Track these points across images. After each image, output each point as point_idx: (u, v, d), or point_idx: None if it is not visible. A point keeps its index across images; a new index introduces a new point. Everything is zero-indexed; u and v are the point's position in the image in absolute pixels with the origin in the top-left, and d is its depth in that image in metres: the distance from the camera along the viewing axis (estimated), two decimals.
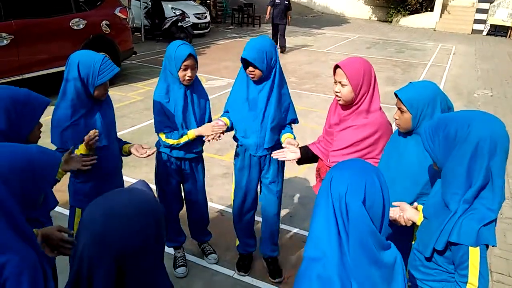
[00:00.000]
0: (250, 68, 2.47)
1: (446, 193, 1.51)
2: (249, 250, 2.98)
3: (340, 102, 2.18)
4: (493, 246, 1.43)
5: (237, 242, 2.99)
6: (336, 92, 2.15)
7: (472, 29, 17.62)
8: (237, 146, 2.75)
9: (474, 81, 9.21)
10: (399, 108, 1.84)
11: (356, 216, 1.05)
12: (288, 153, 2.40)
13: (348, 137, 2.18)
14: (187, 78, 2.48)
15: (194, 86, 2.61)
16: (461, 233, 1.42)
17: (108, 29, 7.12)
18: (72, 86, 2.12)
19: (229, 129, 2.67)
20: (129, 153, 2.43)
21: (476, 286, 1.41)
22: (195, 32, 12.00)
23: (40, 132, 1.80)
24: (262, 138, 2.59)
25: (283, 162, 2.74)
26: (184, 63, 2.43)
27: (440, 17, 18.24)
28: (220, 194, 3.96)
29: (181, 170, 2.73)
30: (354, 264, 1.04)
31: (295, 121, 2.72)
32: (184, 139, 2.55)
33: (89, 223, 0.90)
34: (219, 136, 2.53)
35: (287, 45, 11.38)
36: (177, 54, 2.43)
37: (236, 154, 2.76)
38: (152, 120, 4.47)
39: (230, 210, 3.68)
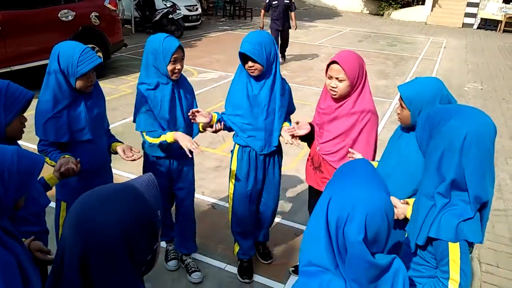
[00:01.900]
0: (250, 63, 2.39)
1: (422, 184, 1.51)
2: (251, 254, 2.90)
3: (336, 97, 2.20)
4: (473, 242, 1.39)
5: (236, 248, 2.87)
6: (333, 87, 2.16)
7: (463, 23, 17.70)
8: (238, 148, 2.63)
9: (465, 74, 9.27)
10: (400, 104, 1.83)
11: (354, 252, 0.98)
12: (299, 130, 2.41)
13: (337, 127, 2.23)
14: (176, 71, 2.37)
15: (180, 81, 2.51)
16: (440, 228, 1.40)
17: (98, 21, 7.02)
18: (53, 78, 2.07)
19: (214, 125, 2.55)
20: (115, 152, 2.34)
21: (458, 282, 1.39)
22: (186, 24, 11.89)
23: (24, 125, 1.75)
24: (269, 136, 2.53)
25: (281, 154, 2.74)
26: (174, 56, 2.32)
27: (432, 10, 18.30)
28: (212, 187, 3.95)
29: (169, 169, 2.61)
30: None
31: (292, 112, 2.74)
32: (161, 139, 2.39)
33: (68, 215, 0.90)
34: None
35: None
36: (166, 47, 2.31)
37: (239, 157, 2.62)
38: None
39: (223, 203, 3.70)
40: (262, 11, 8.94)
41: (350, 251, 0.99)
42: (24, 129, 1.78)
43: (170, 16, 11.08)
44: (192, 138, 2.53)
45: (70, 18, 6.57)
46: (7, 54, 5.80)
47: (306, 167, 2.60)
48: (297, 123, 2.44)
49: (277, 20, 8.64)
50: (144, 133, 2.47)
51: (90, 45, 6.90)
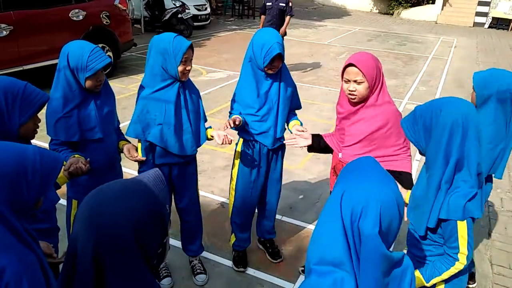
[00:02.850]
0: (276, 63, 2.43)
1: (429, 175, 1.65)
2: (245, 246, 2.96)
3: (355, 101, 2.13)
4: (478, 218, 1.60)
5: (233, 239, 2.93)
6: (351, 91, 2.10)
7: (474, 22, 17.51)
8: (243, 143, 2.66)
9: None
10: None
11: (370, 246, 0.99)
12: (300, 140, 2.42)
13: (360, 131, 2.16)
14: (186, 71, 2.28)
15: (186, 83, 2.40)
16: (449, 209, 1.58)
17: (108, 21, 7.07)
18: (63, 78, 2.08)
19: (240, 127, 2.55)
20: (122, 151, 2.34)
21: (466, 254, 1.60)
22: (195, 24, 11.92)
23: (37, 126, 1.75)
24: (279, 131, 2.58)
25: (283, 148, 2.77)
26: (185, 56, 2.23)
27: (442, 9, 18.13)
28: (221, 186, 3.95)
29: (169, 177, 2.50)
30: (363, 283, 1.02)
31: (299, 106, 2.73)
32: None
33: (79, 211, 0.90)
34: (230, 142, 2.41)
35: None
36: (176, 47, 2.21)
37: (244, 152, 2.66)
38: None
39: (227, 200, 3.68)
40: (262, 16, 7.78)
41: (366, 245, 0.99)
42: (37, 129, 1.79)
43: (179, 15, 11.11)
44: (200, 145, 2.50)
45: (80, 17, 6.62)
46: (20, 53, 5.86)
47: (330, 175, 2.53)
48: (302, 131, 2.48)
49: (270, 25, 7.27)
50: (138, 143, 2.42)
51: (100, 45, 6.97)
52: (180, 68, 2.26)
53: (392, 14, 19.32)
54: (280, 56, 2.42)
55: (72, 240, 0.90)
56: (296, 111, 2.78)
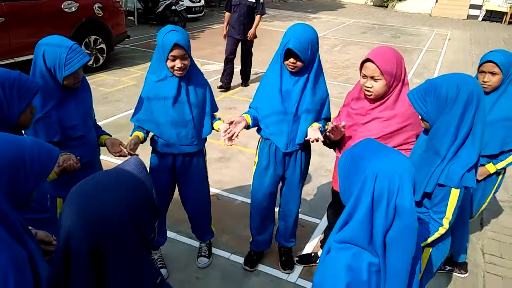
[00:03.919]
0: (292, 60, 2.25)
1: (437, 144, 1.70)
2: (263, 249, 2.90)
3: (371, 97, 2.07)
4: (472, 187, 1.71)
5: (251, 239, 2.89)
6: (368, 87, 2.03)
7: (468, 15, 17.54)
8: (261, 141, 2.56)
9: (469, 66, 9.20)
10: (490, 72, 2.41)
11: (408, 218, 1.09)
12: (318, 132, 2.28)
13: (375, 130, 2.08)
14: (176, 69, 2.23)
15: (191, 76, 2.35)
16: (448, 176, 1.66)
17: (101, 12, 6.99)
18: (39, 77, 2.00)
19: (249, 127, 2.44)
20: (104, 145, 2.30)
21: (450, 219, 1.71)
22: (189, 16, 11.83)
23: (33, 115, 1.75)
24: (294, 133, 2.40)
25: (309, 158, 2.62)
26: (171, 53, 2.18)
27: (436, 2, 18.14)
28: (216, 178, 3.96)
29: (173, 167, 2.51)
30: (392, 258, 1.09)
31: (329, 119, 2.48)
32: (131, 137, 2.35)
33: (68, 204, 0.89)
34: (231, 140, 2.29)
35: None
36: (164, 43, 2.18)
37: (261, 150, 2.57)
38: None
39: (226, 194, 3.72)
40: (226, 13, 6.42)
41: (404, 219, 1.08)
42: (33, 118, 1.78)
43: (173, 7, 11.01)
44: (202, 137, 2.49)
45: (73, 9, 6.55)
46: (11, 45, 5.80)
47: (334, 171, 2.47)
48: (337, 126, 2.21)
49: (235, 26, 6.26)
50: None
51: (93, 37, 6.92)
52: (168, 64, 2.23)
53: (386, 7, 19.30)
54: (296, 54, 2.21)
55: (63, 237, 0.87)
56: None
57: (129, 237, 0.87)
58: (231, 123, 2.31)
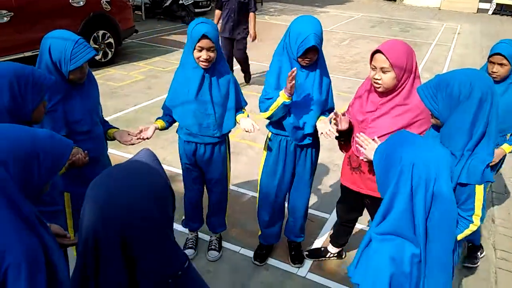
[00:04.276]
0: (310, 55, 2.25)
1: (450, 142, 1.67)
2: (272, 242, 2.90)
3: (380, 90, 2.05)
4: (492, 182, 1.73)
5: (259, 232, 2.89)
6: (376, 79, 2.02)
7: (478, 8, 17.31)
8: (271, 136, 2.56)
9: (479, 60, 9.09)
10: (499, 63, 2.56)
11: (447, 204, 1.11)
12: (328, 125, 2.25)
13: (385, 125, 2.06)
14: (201, 60, 2.28)
15: (216, 69, 2.40)
16: (470, 174, 1.65)
17: (109, 7, 6.99)
18: (44, 70, 1.98)
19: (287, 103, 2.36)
20: (113, 138, 2.32)
21: (480, 215, 1.71)
22: (196, 10, 11.79)
23: (45, 110, 1.75)
24: (309, 126, 2.41)
25: (318, 152, 2.62)
26: (198, 44, 2.24)
27: None
28: None
29: (195, 154, 2.57)
30: (434, 246, 1.12)
31: (333, 109, 2.48)
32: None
33: (93, 198, 0.89)
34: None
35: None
36: (193, 33, 2.25)
37: (270, 145, 2.56)
38: (154, 100, 4.46)
39: (235, 188, 3.71)
40: (217, 11, 5.90)
41: (444, 206, 1.11)
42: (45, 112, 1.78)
43: (180, 1, 10.98)
44: (224, 131, 2.50)
45: (81, 3, 6.55)
46: (20, 40, 5.82)
47: (343, 166, 2.46)
48: (344, 114, 2.25)
49: (226, 24, 5.77)
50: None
51: (101, 31, 6.92)
52: (194, 55, 2.30)
53: (395, 0, 19.09)
54: (316, 49, 2.23)
55: (88, 232, 0.87)
56: None
57: (156, 225, 0.88)
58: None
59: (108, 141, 2.36)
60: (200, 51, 2.27)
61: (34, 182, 1.18)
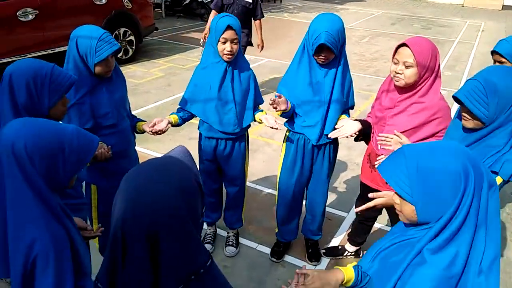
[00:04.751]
0: (324, 54, 2.23)
1: (494, 141, 1.66)
2: (289, 238, 2.90)
3: (399, 84, 2.02)
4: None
5: (276, 229, 2.89)
6: (398, 73, 1.99)
7: (503, 5, 16.86)
8: (289, 134, 2.56)
9: None
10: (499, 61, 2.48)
11: (496, 194, 1.07)
12: (347, 128, 2.21)
13: (402, 123, 2.05)
14: (225, 52, 2.32)
15: (237, 62, 2.44)
16: (503, 167, 1.66)
17: (130, 5, 7.09)
18: (72, 64, 2.05)
19: (288, 110, 2.38)
20: (142, 131, 2.36)
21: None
22: None
23: (66, 108, 1.77)
24: (327, 127, 2.38)
25: (336, 151, 2.61)
26: (223, 35, 2.29)
27: None
28: None
29: (215, 150, 2.60)
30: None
31: (352, 107, 2.51)
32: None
33: (123, 191, 0.90)
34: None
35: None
36: (217, 25, 2.31)
37: (288, 144, 2.57)
38: (174, 97, 4.50)
39: (253, 185, 3.73)
40: (213, 12, 5.24)
41: (495, 194, 1.07)
42: (66, 111, 1.80)
43: None
44: (243, 126, 2.54)
45: (103, 1, 6.66)
46: (45, 37, 5.96)
47: (363, 164, 2.46)
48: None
49: None
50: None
51: (123, 29, 7.03)
52: (219, 48, 2.34)
53: None
54: (329, 48, 2.19)
55: (117, 224, 0.89)
56: None
57: (183, 222, 0.89)
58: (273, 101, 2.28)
59: (135, 137, 2.41)
60: (224, 43, 2.32)
61: (60, 176, 1.22)
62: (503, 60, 2.52)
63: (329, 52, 2.23)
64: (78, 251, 1.23)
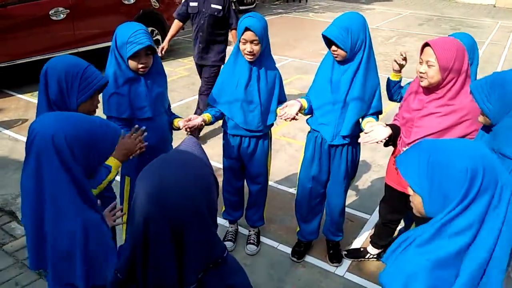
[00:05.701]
0: (333, 47, 2.27)
1: (502, 143, 1.62)
2: (310, 238, 2.89)
3: (423, 84, 2.02)
4: None
5: (298, 228, 2.89)
6: (421, 72, 2.00)
7: None
8: (309, 132, 2.59)
9: None
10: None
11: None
12: (376, 132, 2.14)
13: (431, 125, 2.02)
14: (246, 52, 2.35)
15: (262, 61, 2.46)
16: None
17: (157, 4, 7.21)
18: (113, 57, 2.15)
19: (305, 110, 2.45)
20: (179, 128, 2.42)
21: None
22: (241, 8, 11.91)
23: (96, 107, 1.80)
24: (341, 125, 2.37)
25: (356, 154, 2.57)
26: (242, 36, 2.33)
27: None
28: None
29: (239, 147, 2.63)
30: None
31: (380, 112, 2.44)
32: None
33: (144, 185, 0.92)
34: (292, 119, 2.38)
35: None
36: (239, 26, 2.36)
37: (307, 141, 2.59)
38: (197, 96, 4.54)
39: (275, 185, 3.74)
40: (175, 21, 4.38)
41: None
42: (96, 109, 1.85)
43: None
44: (268, 123, 2.57)
45: (132, 1, 6.80)
46: (75, 36, 6.13)
47: (388, 166, 2.45)
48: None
49: (195, 45, 4.25)
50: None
51: (150, 28, 7.14)
52: (240, 47, 2.38)
53: None
54: (336, 43, 2.21)
55: (140, 220, 0.91)
56: None
57: (202, 215, 0.91)
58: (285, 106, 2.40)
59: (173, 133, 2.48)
60: (245, 43, 2.35)
61: (92, 164, 1.29)
62: None
63: (337, 48, 2.24)
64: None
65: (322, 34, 2.27)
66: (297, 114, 2.38)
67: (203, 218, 0.91)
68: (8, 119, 4.91)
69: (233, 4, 4.14)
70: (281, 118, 2.40)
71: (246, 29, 2.31)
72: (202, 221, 0.91)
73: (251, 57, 2.38)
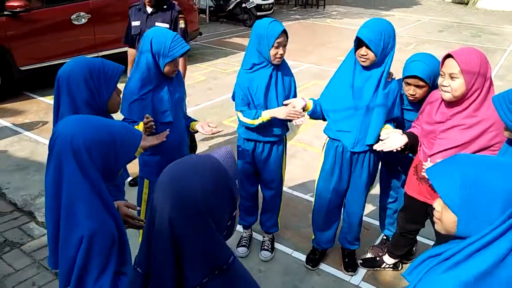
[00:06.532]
0: (363, 51, 2.22)
1: None
2: (325, 247, 2.86)
3: (446, 98, 1.95)
4: None
5: (313, 236, 2.85)
6: (444, 86, 1.93)
7: None
8: (328, 141, 2.54)
9: None
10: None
11: None
12: (392, 140, 2.11)
13: (455, 137, 1.97)
14: (278, 56, 2.38)
15: (281, 67, 2.50)
16: None
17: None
18: (144, 60, 2.19)
19: (309, 112, 2.48)
20: (196, 131, 2.46)
21: None
22: (259, 13, 11.94)
23: (120, 97, 1.86)
24: (364, 133, 2.34)
25: (377, 161, 2.55)
26: (278, 40, 2.33)
27: None
28: None
29: (253, 152, 2.64)
30: None
31: (399, 118, 2.45)
32: (259, 121, 2.43)
33: (158, 183, 0.96)
34: (302, 119, 2.41)
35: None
36: (269, 32, 2.34)
37: (327, 151, 2.54)
38: (214, 100, 4.58)
39: (290, 191, 3.71)
40: (129, 50, 3.73)
41: None
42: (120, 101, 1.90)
43: (244, 5, 11.20)
44: (284, 127, 2.59)
45: None
46: (95, 40, 6.25)
47: (409, 176, 2.38)
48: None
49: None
50: (241, 114, 2.52)
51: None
52: (272, 52, 2.37)
53: (467, 4, 18.10)
54: (367, 45, 2.19)
55: (152, 208, 0.95)
56: None
57: (202, 221, 0.91)
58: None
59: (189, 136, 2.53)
60: (278, 47, 2.36)
61: (111, 168, 1.30)
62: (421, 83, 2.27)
63: (368, 49, 2.21)
64: (122, 240, 1.29)
65: (356, 36, 2.23)
66: (303, 110, 2.42)
67: (201, 225, 0.92)
68: (29, 121, 5.02)
69: (183, 22, 3.62)
70: (290, 117, 2.41)
71: (283, 32, 2.35)
72: (200, 228, 0.92)
73: (280, 60, 2.42)
